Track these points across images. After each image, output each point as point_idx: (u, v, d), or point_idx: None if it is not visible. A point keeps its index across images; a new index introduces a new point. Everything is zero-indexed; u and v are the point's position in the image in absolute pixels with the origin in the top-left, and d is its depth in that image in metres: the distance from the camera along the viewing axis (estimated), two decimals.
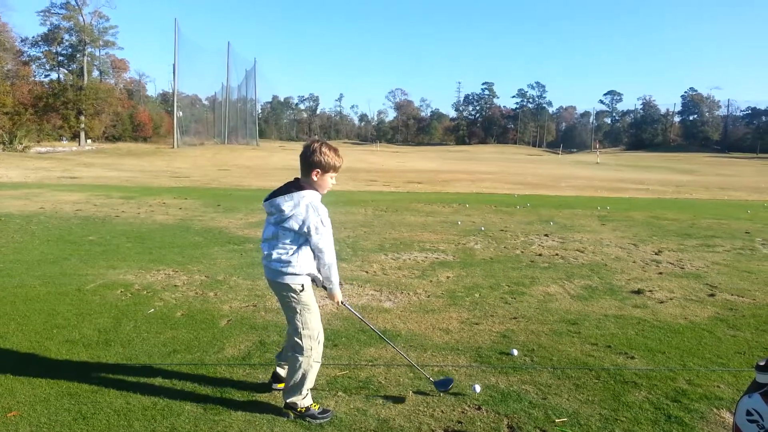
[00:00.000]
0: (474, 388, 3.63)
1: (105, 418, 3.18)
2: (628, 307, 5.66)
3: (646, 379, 3.88)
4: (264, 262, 3.27)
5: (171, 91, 71.55)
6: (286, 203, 3.11)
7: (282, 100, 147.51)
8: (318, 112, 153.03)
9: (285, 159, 46.70)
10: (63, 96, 60.60)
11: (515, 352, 4.33)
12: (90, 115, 62.56)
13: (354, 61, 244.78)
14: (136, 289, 5.96)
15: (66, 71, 66.42)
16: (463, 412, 3.37)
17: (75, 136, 62.76)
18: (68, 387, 3.54)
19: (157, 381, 3.68)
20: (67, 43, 65.17)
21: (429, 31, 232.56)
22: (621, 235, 10.37)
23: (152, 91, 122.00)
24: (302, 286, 3.19)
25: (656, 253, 8.53)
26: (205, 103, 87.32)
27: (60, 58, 65.93)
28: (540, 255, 8.24)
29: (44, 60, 65.10)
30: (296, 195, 3.12)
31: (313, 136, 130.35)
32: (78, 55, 65.06)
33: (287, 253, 3.15)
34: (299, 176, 3.24)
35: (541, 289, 6.33)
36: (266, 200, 3.21)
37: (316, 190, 3.19)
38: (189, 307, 5.36)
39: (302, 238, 3.14)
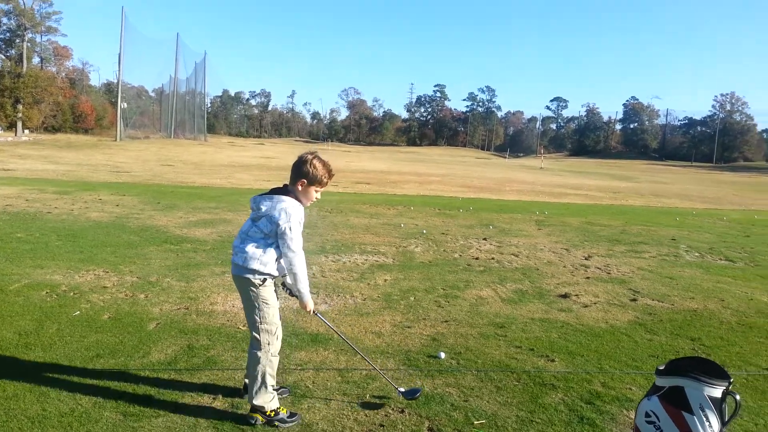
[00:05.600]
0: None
1: (18, 426, 3.09)
2: (554, 310, 5.89)
3: (563, 381, 4.06)
4: (232, 257, 3.34)
5: (116, 81, 69.16)
6: (264, 203, 3.23)
7: (232, 94, 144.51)
8: (269, 108, 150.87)
9: (233, 156, 45.74)
10: None
11: (442, 355, 4.45)
12: (28, 104, 59.71)
13: (307, 58, 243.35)
14: (63, 290, 5.79)
15: (3, 57, 63.21)
16: (386, 416, 3.44)
17: (11, 126, 59.82)
18: None
19: (78, 387, 3.60)
20: (5, 27, 62.10)
21: (383, 30, 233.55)
22: (555, 239, 10.72)
23: (96, 80, 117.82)
24: (262, 281, 3.25)
25: (586, 258, 8.87)
26: (152, 95, 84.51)
27: None
28: (477, 258, 8.44)
29: None
30: (276, 198, 3.24)
31: (264, 133, 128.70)
32: (17, 41, 61.96)
33: (252, 249, 3.22)
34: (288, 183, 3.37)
35: (475, 292, 6.50)
36: (253, 197, 3.34)
37: (298, 200, 3.29)
38: (117, 309, 5.25)
39: (270, 239, 3.24)
